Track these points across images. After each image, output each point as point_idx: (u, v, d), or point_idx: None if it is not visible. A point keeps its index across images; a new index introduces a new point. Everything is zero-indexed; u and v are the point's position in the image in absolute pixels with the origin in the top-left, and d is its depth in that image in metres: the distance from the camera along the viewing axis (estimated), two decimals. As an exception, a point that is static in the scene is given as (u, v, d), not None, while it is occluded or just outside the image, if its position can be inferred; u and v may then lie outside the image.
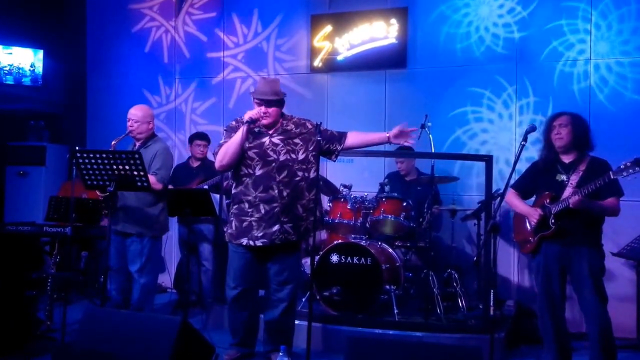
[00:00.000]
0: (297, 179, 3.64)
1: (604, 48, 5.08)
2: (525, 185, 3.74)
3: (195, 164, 5.51)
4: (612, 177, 3.23)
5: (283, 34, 6.17)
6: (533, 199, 3.73)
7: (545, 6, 5.26)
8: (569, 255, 3.47)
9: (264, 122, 3.62)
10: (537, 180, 3.66)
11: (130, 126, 4.37)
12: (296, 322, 4.31)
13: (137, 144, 4.50)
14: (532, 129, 3.33)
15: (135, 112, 4.39)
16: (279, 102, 3.65)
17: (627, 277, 4.78)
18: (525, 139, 3.30)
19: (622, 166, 3.20)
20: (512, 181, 3.54)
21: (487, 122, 5.45)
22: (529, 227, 3.62)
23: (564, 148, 3.53)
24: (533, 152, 4.23)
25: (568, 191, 3.44)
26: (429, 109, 5.10)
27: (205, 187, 5.06)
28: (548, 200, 3.51)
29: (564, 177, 3.52)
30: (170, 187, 5.33)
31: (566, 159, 3.56)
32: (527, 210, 3.62)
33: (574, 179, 3.46)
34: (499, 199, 3.63)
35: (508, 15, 5.39)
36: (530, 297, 5.15)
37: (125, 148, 4.40)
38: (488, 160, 4.25)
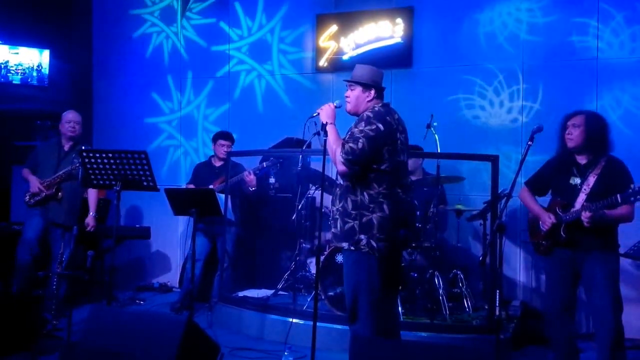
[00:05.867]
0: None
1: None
2: (539, 183, 3.65)
3: (218, 163, 5.46)
4: (619, 200, 3.16)
5: (288, 33, 6.18)
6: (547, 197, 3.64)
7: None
8: (581, 260, 3.38)
9: (346, 108, 3.34)
10: (551, 179, 3.57)
11: (73, 130, 4.81)
12: (301, 321, 4.34)
13: (66, 146, 4.82)
14: (538, 129, 3.29)
15: (77, 116, 4.88)
16: (357, 86, 3.26)
17: (634, 277, 4.76)
18: (531, 138, 3.27)
19: (630, 190, 3.13)
20: (516, 183, 3.45)
21: (487, 118, 5.44)
22: (542, 230, 3.53)
23: (576, 149, 3.41)
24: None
25: (581, 198, 3.36)
26: (434, 109, 5.10)
27: (213, 187, 5.07)
28: (560, 209, 3.42)
29: (577, 181, 3.40)
30: (191, 186, 5.37)
31: (581, 159, 3.43)
32: (540, 213, 3.53)
33: (588, 184, 3.36)
34: (505, 198, 3.60)
35: (522, 17, 5.39)
36: (536, 298, 5.14)
37: (51, 149, 4.86)
38: (494, 160, 4.23)
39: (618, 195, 3.17)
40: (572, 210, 3.36)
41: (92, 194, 4.88)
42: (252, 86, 6.32)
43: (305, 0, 6.10)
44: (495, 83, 5.43)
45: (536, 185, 3.67)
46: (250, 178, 5.15)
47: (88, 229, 4.81)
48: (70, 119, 4.85)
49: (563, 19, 5.20)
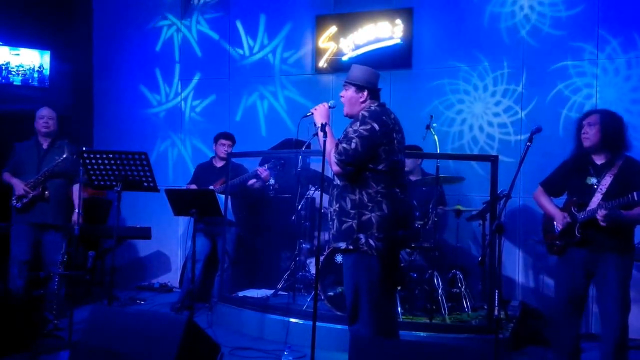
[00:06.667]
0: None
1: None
2: (554, 184, 3.61)
3: (219, 164, 5.45)
4: (635, 199, 3.13)
5: (288, 35, 6.19)
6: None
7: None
8: (595, 261, 3.35)
9: (343, 110, 3.31)
10: (567, 179, 3.53)
11: (47, 126, 4.73)
12: (301, 321, 4.35)
13: (45, 144, 4.74)
14: (537, 130, 3.28)
15: (51, 112, 4.79)
16: (351, 87, 3.25)
17: (634, 278, 4.74)
18: (530, 139, 3.27)
19: None
20: (515, 183, 3.43)
21: (490, 122, 5.46)
22: (556, 230, 3.50)
23: (592, 148, 3.37)
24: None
25: (597, 197, 3.33)
26: (433, 110, 5.11)
27: (213, 188, 5.08)
28: (575, 208, 3.40)
29: (594, 181, 3.37)
30: (192, 186, 5.38)
31: (598, 159, 3.40)
32: (554, 213, 3.50)
33: (605, 183, 3.32)
34: (504, 199, 3.60)
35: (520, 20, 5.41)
36: (535, 298, 5.14)
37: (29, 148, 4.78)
38: (494, 160, 4.24)
39: (635, 194, 3.13)
40: (588, 209, 3.34)
41: (75, 191, 4.71)
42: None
43: (305, 2, 6.11)
44: (495, 81, 5.44)
45: (551, 186, 3.62)
46: (266, 174, 5.17)
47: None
48: (43, 115, 4.75)
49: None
